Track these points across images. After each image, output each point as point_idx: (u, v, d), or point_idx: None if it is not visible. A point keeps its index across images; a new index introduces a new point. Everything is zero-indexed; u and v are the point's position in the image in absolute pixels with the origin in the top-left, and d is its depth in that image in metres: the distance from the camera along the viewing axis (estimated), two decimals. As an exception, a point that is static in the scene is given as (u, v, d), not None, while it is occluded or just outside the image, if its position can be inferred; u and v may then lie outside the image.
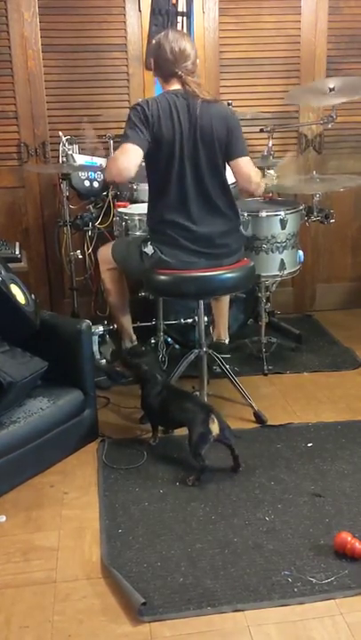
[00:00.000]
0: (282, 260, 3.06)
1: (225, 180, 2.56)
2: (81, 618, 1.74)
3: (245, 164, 2.55)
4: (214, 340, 3.16)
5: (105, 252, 2.95)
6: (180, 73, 2.46)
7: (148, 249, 2.58)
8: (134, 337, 3.11)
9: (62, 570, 1.92)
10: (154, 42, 2.54)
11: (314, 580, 1.83)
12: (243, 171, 2.55)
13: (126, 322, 3.08)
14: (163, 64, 2.49)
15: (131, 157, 2.39)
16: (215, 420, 2.30)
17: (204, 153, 2.47)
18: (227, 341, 3.16)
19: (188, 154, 2.47)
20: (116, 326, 3.19)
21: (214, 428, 2.29)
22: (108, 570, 1.89)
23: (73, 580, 1.87)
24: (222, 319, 3.15)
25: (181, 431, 2.45)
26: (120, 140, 2.50)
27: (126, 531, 2.07)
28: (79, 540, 2.05)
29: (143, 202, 3.01)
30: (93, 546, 2.02)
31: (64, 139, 3.27)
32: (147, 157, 2.50)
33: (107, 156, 3.38)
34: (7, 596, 1.83)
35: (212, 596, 1.78)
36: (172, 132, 2.43)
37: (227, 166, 2.58)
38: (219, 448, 2.36)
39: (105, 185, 3.28)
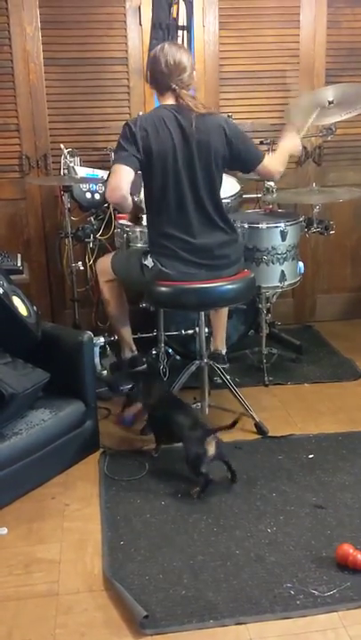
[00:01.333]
0: (282, 271, 3.08)
1: (218, 196, 2.59)
2: (83, 631, 1.73)
3: (267, 164, 2.65)
4: (212, 350, 3.17)
5: (104, 264, 2.95)
6: (174, 86, 2.48)
7: (148, 261, 2.60)
8: (134, 347, 3.11)
9: (64, 582, 1.91)
10: (151, 54, 2.56)
11: (316, 593, 1.83)
12: (268, 170, 2.67)
13: (126, 332, 3.08)
14: (158, 77, 2.51)
15: (119, 176, 2.44)
16: (212, 441, 2.29)
17: (200, 167, 2.49)
18: (224, 352, 3.16)
19: (184, 168, 2.48)
20: (116, 337, 3.20)
21: (210, 448, 2.29)
22: (110, 582, 1.89)
23: (75, 593, 1.87)
24: (220, 330, 3.16)
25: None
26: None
27: (128, 543, 2.07)
28: (81, 552, 2.05)
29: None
30: (95, 558, 2.01)
31: (65, 151, 3.30)
32: (142, 173, 2.53)
33: (108, 168, 3.41)
34: (9, 608, 1.82)
35: (214, 609, 1.78)
36: (164, 147, 2.45)
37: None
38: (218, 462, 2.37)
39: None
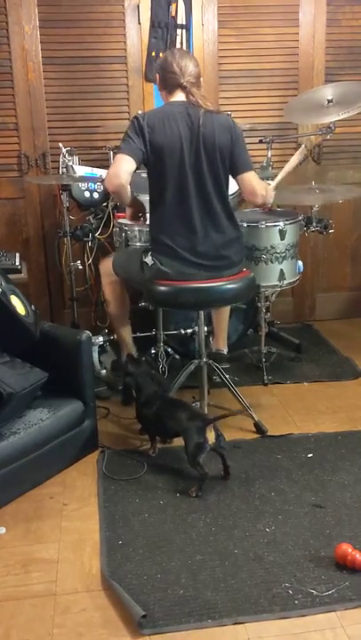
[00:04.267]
0: (281, 270, 3.07)
1: (226, 193, 2.58)
2: (81, 631, 1.73)
3: (250, 178, 2.59)
4: (213, 350, 3.16)
5: (106, 265, 2.95)
6: (184, 84, 2.50)
7: (149, 259, 2.59)
8: (134, 350, 3.09)
9: (62, 582, 1.91)
10: (160, 58, 2.59)
11: (315, 592, 1.82)
12: (247, 185, 2.60)
13: (126, 334, 3.07)
14: (168, 76, 2.53)
15: (119, 165, 2.43)
16: (211, 429, 2.31)
17: (206, 162, 2.49)
18: (225, 351, 3.16)
19: (190, 163, 2.48)
20: (116, 337, 3.19)
21: (210, 436, 2.30)
22: (108, 582, 1.89)
23: (73, 593, 1.87)
24: (222, 330, 3.16)
25: (181, 442, 2.44)
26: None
27: (126, 542, 2.06)
28: (79, 551, 2.05)
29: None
30: (93, 558, 2.01)
31: (64, 150, 3.29)
32: (147, 168, 2.52)
33: (107, 167, 3.41)
34: (7, 608, 1.82)
35: (212, 609, 1.77)
36: (171, 142, 2.44)
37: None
38: (217, 458, 2.37)
39: (105, 196, 3.30)
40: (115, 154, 3.30)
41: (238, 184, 2.63)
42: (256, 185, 2.60)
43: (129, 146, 2.44)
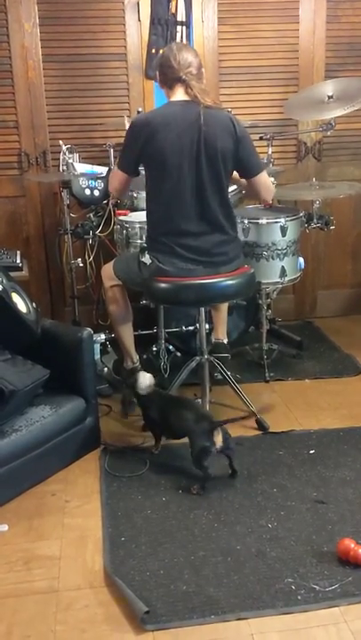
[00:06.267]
0: (282, 267, 3.07)
1: (226, 193, 2.57)
2: (83, 627, 1.73)
3: (266, 177, 2.65)
4: (213, 341, 3.15)
5: (108, 270, 2.93)
6: (183, 77, 2.48)
7: (146, 258, 2.59)
8: (136, 357, 3.00)
9: (64, 579, 1.91)
10: (159, 55, 2.59)
11: (317, 588, 1.82)
12: (265, 184, 2.66)
13: (127, 339, 2.98)
14: (167, 71, 2.52)
15: (116, 181, 2.67)
16: (219, 432, 2.29)
17: (206, 164, 2.47)
18: (225, 341, 3.14)
19: (190, 166, 2.46)
20: (117, 342, 3.14)
21: (218, 440, 2.28)
22: (110, 578, 1.89)
23: (75, 589, 1.87)
24: (221, 321, 3.13)
25: (183, 439, 2.44)
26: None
27: (129, 539, 2.06)
28: (81, 548, 2.04)
29: (143, 210, 3.01)
30: (96, 554, 2.01)
31: (64, 147, 3.29)
32: (145, 169, 2.53)
33: (107, 164, 3.41)
34: (9, 605, 1.82)
35: (215, 605, 1.77)
36: (172, 146, 2.43)
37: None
38: (221, 456, 2.36)
39: (106, 193, 3.29)
40: (115, 151, 3.34)
41: (254, 185, 2.64)
42: (270, 184, 2.68)
43: (125, 160, 2.56)
